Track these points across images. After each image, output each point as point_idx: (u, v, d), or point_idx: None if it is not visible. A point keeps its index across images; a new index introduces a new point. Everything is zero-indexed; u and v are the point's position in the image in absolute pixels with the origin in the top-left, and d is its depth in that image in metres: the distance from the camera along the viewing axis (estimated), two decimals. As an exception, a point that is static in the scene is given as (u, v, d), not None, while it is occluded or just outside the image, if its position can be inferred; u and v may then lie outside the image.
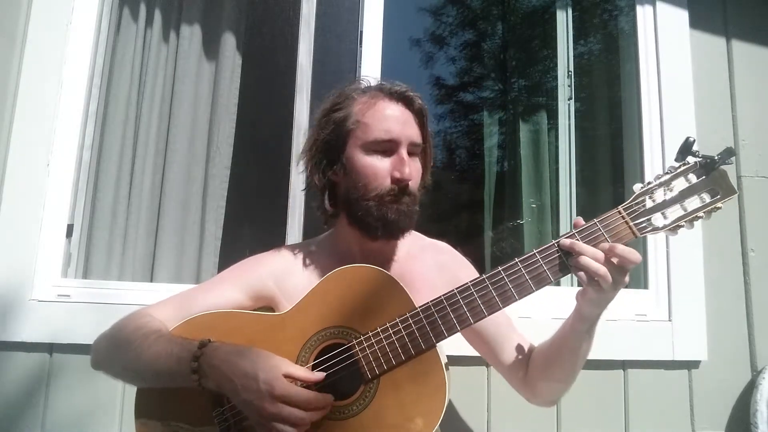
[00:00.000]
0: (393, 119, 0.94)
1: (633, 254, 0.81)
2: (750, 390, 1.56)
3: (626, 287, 1.72)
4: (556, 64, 2.00)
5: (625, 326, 1.54)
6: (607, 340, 1.50)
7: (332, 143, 0.97)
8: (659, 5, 1.75)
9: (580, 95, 2.06)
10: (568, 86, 1.97)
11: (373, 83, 1.01)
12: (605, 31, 2.19)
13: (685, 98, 1.69)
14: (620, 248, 0.81)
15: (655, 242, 1.64)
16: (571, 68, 1.97)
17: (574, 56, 1.99)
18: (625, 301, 1.60)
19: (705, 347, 1.55)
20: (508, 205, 2.27)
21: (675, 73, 1.71)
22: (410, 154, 0.96)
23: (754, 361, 1.59)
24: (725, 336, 1.58)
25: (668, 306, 1.59)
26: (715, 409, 1.57)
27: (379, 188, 0.93)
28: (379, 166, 0.94)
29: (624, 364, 1.53)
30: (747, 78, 1.74)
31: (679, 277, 1.59)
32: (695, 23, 1.75)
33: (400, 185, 0.93)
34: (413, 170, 0.95)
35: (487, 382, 1.46)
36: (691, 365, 1.56)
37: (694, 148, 0.85)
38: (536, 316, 1.44)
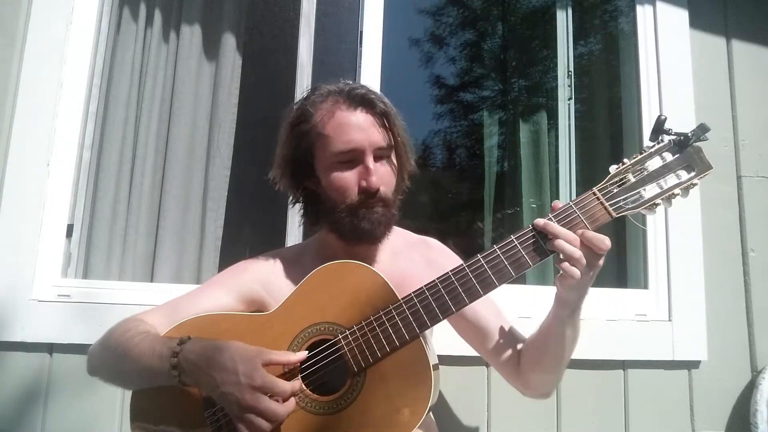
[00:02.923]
0: (353, 128, 0.92)
1: (601, 241, 0.82)
2: (750, 390, 1.56)
3: (626, 287, 1.73)
4: (556, 65, 2.00)
5: (625, 326, 1.55)
6: (607, 340, 1.50)
7: (300, 158, 0.97)
8: (659, 5, 1.75)
9: (580, 95, 2.05)
10: (568, 86, 1.97)
11: (336, 86, 0.98)
12: (605, 31, 2.19)
13: (685, 98, 1.69)
14: (589, 234, 0.83)
15: (655, 242, 1.63)
16: (571, 68, 1.97)
17: (574, 56, 1.98)
18: (625, 301, 1.60)
19: (705, 347, 1.55)
20: (508, 205, 2.27)
21: (675, 73, 1.71)
22: (378, 158, 0.95)
23: (754, 361, 1.59)
24: (725, 336, 1.58)
25: (668, 306, 1.59)
26: (715, 409, 1.57)
27: (348, 200, 0.94)
28: (346, 178, 0.93)
29: (624, 364, 1.53)
30: (747, 78, 1.74)
31: (679, 277, 1.59)
32: (695, 23, 1.75)
33: (368, 194, 0.93)
34: (383, 175, 0.95)
35: (487, 382, 1.46)
36: (691, 365, 1.56)
37: (666, 126, 0.85)
38: (536, 316, 1.44)
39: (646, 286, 1.64)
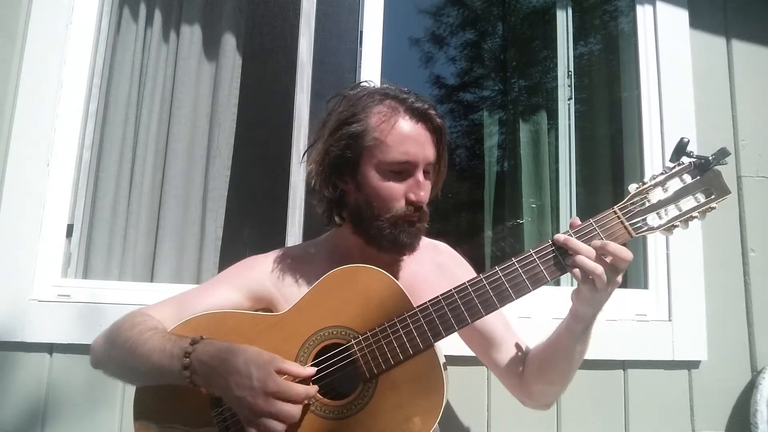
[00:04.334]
0: (412, 140, 0.91)
1: (625, 252, 0.82)
2: (750, 390, 1.56)
3: (626, 287, 1.73)
4: (556, 65, 2.00)
5: (625, 326, 1.55)
6: (607, 340, 1.50)
7: (346, 158, 0.93)
8: (659, 5, 1.75)
9: (580, 95, 2.05)
10: (568, 86, 1.97)
11: (391, 91, 0.95)
12: (605, 31, 2.19)
13: (685, 98, 1.69)
14: (612, 246, 0.82)
15: (655, 242, 1.64)
16: (571, 68, 1.97)
17: (574, 56, 1.99)
18: (625, 301, 1.60)
19: (705, 347, 1.55)
20: (508, 205, 2.27)
21: (675, 73, 1.71)
22: (425, 173, 0.95)
23: (754, 361, 1.59)
24: (725, 336, 1.58)
25: (668, 306, 1.59)
26: (715, 409, 1.57)
27: (393, 210, 0.92)
28: (395, 188, 0.92)
29: (624, 364, 1.53)
30: (747, 78, 1.74)
31: (679, 277, 1.59)
32: (695, 23, 1.75)
33: (415, 207, 0.93)
34: (427, 191, 0.95)
35: (487, 382, 1.46)
36: (691, 365, 1.56)
37: (689, 148, 0.86)
38: (536, 316, 1.44)
39: (646, 286, 1.64)
